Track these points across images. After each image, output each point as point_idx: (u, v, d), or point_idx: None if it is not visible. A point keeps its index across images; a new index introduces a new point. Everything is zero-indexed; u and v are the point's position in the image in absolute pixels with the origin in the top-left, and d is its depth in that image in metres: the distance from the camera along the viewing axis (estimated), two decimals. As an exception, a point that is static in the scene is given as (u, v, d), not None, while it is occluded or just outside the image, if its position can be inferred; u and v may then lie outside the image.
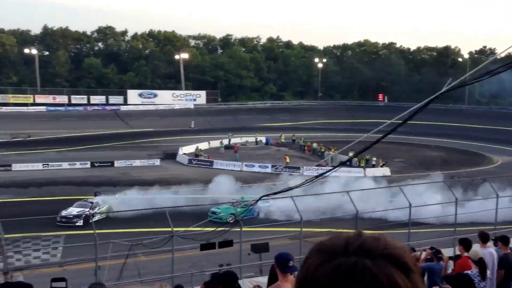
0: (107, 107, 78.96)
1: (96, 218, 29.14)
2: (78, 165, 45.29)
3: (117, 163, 46.45)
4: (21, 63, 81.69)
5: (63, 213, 29.60)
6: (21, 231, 26.04)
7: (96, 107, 78.28)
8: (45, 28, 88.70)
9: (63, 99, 77.91)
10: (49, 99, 77.33)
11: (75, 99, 78.65)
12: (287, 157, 49.12)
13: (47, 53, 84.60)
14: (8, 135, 58.34)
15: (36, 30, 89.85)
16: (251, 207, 13.45)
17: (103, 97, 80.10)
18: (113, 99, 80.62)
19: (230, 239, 16.41)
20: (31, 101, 75.95)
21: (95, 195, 33.02)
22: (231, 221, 30.07)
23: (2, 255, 18.83)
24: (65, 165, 44.88)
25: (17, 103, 74.66)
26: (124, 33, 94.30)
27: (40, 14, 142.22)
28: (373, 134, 7.91)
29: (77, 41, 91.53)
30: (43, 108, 75.00)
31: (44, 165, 44.38)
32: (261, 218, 25.70)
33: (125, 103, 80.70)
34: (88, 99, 79.24)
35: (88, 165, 45.61)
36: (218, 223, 29.15)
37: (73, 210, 30.08)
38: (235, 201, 31.74)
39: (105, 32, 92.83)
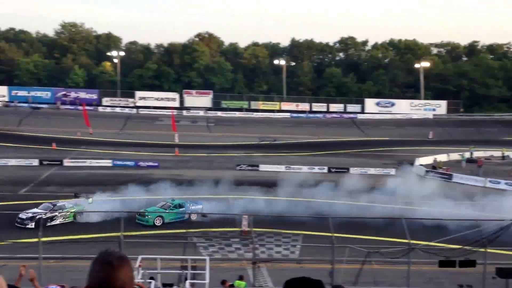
0: (345, 115, 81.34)
1: (57, 221, 28.90)
2: (316, 169, 47.54)
3: (352, 170, 47.46)
4: (270, 73, 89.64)
5: (21, 214, 28.58)
6: (267, 225, 28.62)
7: (334, 115, 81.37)
8: (293, 40, 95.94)
9: (305, 106, 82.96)
10: (293, 106, 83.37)
11: (316, 106, 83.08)
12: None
13: (293, 63, 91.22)
14: (257, 138, 64.36)
15: (284, 42, 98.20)
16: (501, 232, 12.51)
17: (342, 105, 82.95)
18: (351, 108, 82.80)
19: (473, 259, 15.60)
20: (277, 108, 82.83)
21: (75, 196, 32.37)
22: (159, 224, 29.07)
23: (252, 246, 21.11)
24: (304, 168, 47.49)
25: (266, 109, 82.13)
26: (364, 42, 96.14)
27: (288, 27, 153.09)
28: None
29: (320, 51, 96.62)
30: (287, 115, 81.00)
31: (287, 167, 47.76)
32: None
33: (362, 111, 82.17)
34: (328, 107, 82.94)
35: (325, 170, 47.57)
36: (146, 226, 28.35)
37: (31, 212, 28.96)
38: (164, 203, 30.68)
39: (346, 43, 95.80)
